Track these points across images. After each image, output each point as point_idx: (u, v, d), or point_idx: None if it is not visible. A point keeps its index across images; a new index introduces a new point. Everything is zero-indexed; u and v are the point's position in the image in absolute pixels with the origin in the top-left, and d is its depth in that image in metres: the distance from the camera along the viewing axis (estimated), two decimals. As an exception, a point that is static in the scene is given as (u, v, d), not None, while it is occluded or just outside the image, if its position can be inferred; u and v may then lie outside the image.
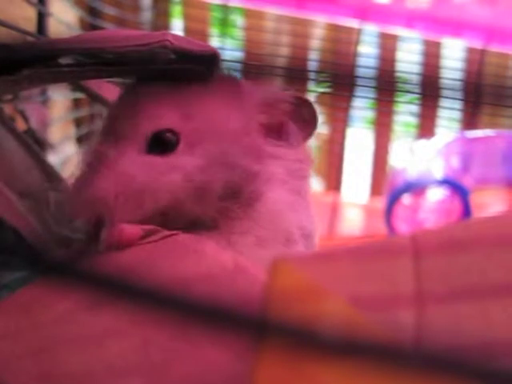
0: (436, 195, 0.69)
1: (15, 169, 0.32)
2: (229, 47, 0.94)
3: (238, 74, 0.32)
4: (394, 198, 0.65)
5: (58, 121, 0.69)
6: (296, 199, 0.29)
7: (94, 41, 0.28)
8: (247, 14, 0.95)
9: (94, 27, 0.74)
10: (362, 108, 0.98)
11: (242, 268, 0.20)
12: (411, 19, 0.84)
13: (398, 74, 0.98)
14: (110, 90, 0.45)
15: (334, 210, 0.83)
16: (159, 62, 0.27)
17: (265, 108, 0.29)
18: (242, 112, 0.28)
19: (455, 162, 0.70)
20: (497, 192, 0.68)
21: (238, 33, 0.96)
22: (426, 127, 0.98)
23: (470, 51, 0.93)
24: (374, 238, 0.17)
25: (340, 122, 0.91)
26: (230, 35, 0.97)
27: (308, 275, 0.16)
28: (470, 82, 0.87)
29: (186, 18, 0.95)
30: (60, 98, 0.68)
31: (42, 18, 0.55)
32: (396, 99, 0.88)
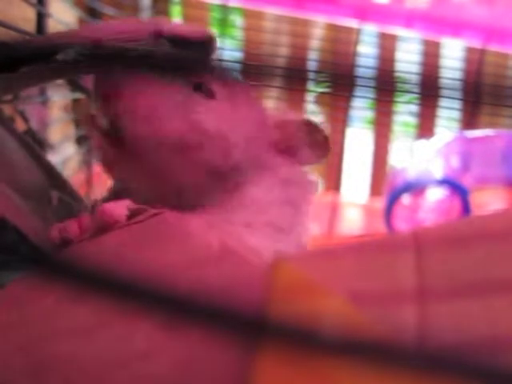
0: (436, 195, 0.69)
1: (16, 169, 0.32)
2: (228, 47, 0.94)
3: (237, 74, 0.32)
4: (393, 198, 0.65)
5: (58, 121, 0.69)
6: (285, 207, 0.29)
7: (92, 31, 0.28)
8: (246, 14, 0.95)
9: (93, 27, 0.74)
10: (361, 108, 0.98)
11: (229, 248, 0.20)
12: (410, 19, 0.84)
13: (397, 74, 0.98)
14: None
15: (334, 210, 0.83)
16: (157, 56, 0.27)
17: (278, 132, 0.30)
18: (263, 119, 0.30)
19: (455, 161, 0.70)
20: (496, 191, 0.68)
21: (238, 33, 0.96)
22: (425, 127, 0.98)
23: (469, 51, 0.93)
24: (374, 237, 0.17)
25: (339, 122, 0.91)
26: (230, 35, 0.97)
27: (308, 273, 0.16)
28: (469, 81, 0.87)
29: (186, 18, 0.95)
30: (60, 98, 0.68)
31: (41, 18, 0.55)
32: (395, 99, 0.88)
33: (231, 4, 0.92)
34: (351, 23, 0.86)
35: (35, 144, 0.36)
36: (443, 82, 1.01)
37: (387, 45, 0.95)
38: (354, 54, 0.83)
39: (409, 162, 0.72)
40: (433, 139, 0.77)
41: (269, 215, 0.28)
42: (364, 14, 0.82)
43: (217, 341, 0.16)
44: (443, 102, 0.88)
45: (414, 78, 0.95)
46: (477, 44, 0.85)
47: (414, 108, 0.99)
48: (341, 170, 0.90)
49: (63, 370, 0.18)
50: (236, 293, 0.18)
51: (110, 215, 0.23)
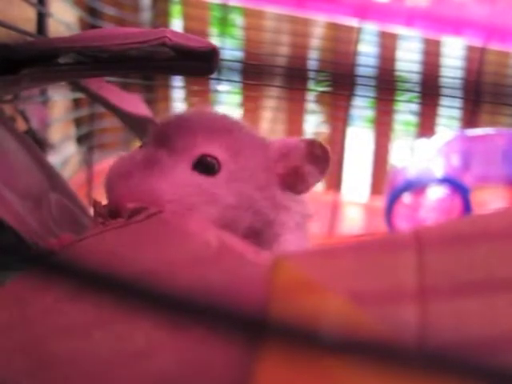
0: (436, 194, 0.69)
1: (16, 170, 0.32)
2: (228, 47, 0.94)
3: (237, 74, 0.32)
4: (394, 197, 0.65)
5: (59, 121, 0.69)
6: (302, 246, 0.32)
7: (93, 39, 0.28)
8: (247, 13, 0.95)
9: (93, 27, 0.74)
10: (362, 107, 0.98)
11: (228, 246, 0.20)
12: (411, 18, 0.84)
13: (397, 73, 0.98)
14: (109, 89, 0.45)
15: (335, 209, 0.83)
16: (158, 59, 0.27)
17: (281, 158, 0.31)
18: (266, 163, 0.31)
19: (455, 160, 0.70)
20: (497, 190, 0.68)
21: (238, 32, 0.96)
22: (426, 126, 0.98)
23: (470, 49, 0.93)
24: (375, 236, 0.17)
25: (340, 121, 0.91)
26: (230, 34, 0.97)
27: (308, 272, 0.16)
28: (469, 80, 0.87)
29: (186, 17, 0.95)
30: (60, 98, 0.68)
31: (41, 18, 0.55)
32: (396, 98, 0.88)
33: (231, 3, 0.92)
34: (352, 22, 0.86)
35: (36, 144, 0.36)
36: (444, 80, 1.01)
37: (388, 44, 0.95)
38: (355, 53, 0.83)
39: (409, 160, 0.72)
40: (433, 138, 0.77)
41: None
42: (364, 12, 0.82)
43: (217, 340, 0.16)
44: (444, 101, 0.88)
45: (415, 77, 0.95)
46: (477, 42, 0.85)
47: (415, 107, 0.99)
48: (341, 169, 0.90)
49: (63, 369, 0.18)
50: (236, 291, 0.18)
51: None
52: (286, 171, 0.31)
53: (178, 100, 0.99)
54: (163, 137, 0.29)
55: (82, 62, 0.30)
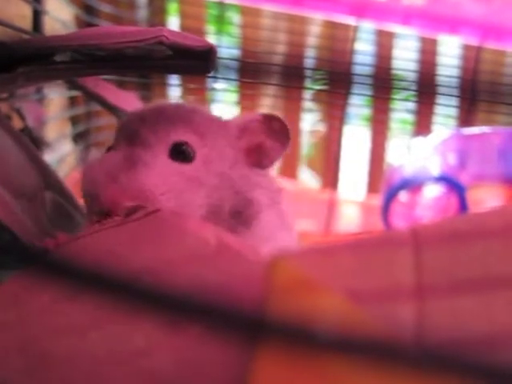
0: (433, 192, 0.69)
1: (11, 168, 0.32)
2: (225, 45, 0.93)
3: (234, 72, 0.32)
4: (390, 195, 0.65)
5: (54, 119, 0.69)
6: (280, 221, 0.33)
7: (90, 37, 0.28)
8: (243, 11, 0.95)
9: (89, 25, 0.74)
10: (358, 105, 0.98)
11: (225, 244, 0.20)
12: (407, 16, 0.84)
13: (394, 72, 0.99)
14: (105, 87, 0.45)
15: (331, 207, 0.83)
16: (155, 57, 0.27)
17: (241, 134, 0.32)
18: (229, 141, 0.31)
19: (452, 158, 0.70)
20: (493, 188, 0.69)
21: (235, 30, 0.96)
22: (422, 124, 0.99)
23: (466, 48, 0.93)
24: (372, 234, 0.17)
25: (336, 120, 0.91)
26: (227, 33, 0.97)
27: (306, 271, 0.16)
28: (466, 79, 0.87)
29: (182, 15, 0.95)
30: (56, 96, 0.68)
31: (37, 15, 0.55)
32: (392, 96, 0.88)
33: (228, 1, 0.91)
34: (348, 20, 0.86)
35: (31, 142, 0.36)
36: (440, 79, 1.01)
37: (384, 42, 0.95)
38: (351, 52, 0.83)
39: (406, 159, 0.72)
40: (430, 136, 0.77)
41: (284, 238, 0.32)
42: (361, 11, 0.82)
43: (215, 339, 0.16)
44: (440, 100, 0.89)
45: (411, 76, 0.95)
46: (474, 41, 0.85)
47: (411, 105, 0.99)
48: (338, 168, 0.90)
49: (60, 368, 0.18)
50: (234, 289, 0.18)
51: None
52: (248, 147, 0.32)
53: (175, 98, 0.98)
54: (132, 135, 0.30)
55: (78, 61, 0.29)
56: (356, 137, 1.00)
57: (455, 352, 0.11)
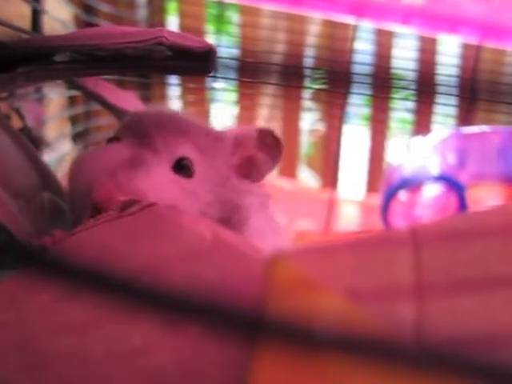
0: (432, 191, 0.69)
1: (9, 168, 0.32)
2: (224, 44, 0.93)
3: (233, 71, 0.32)
4: (390, 195, 0.65)
5: (54, 118, 0.68)
6: (270, 224, 0.33)
7: (90, 38, 0.28)
8: (243, 10, 0.95)
9: (88, 24, 0.74)
10: (357, 105, 0.98)
11: (222, 239, 0.20)
12: (407, 16, 0.84)
13: (393, 71, 0.98)
14: (105, 87, 0.45)
15: (331, 207, 0.83)
16: (155, 58, 0.27)
17: (236, 149, 0.33)
18: (223, 156, 0.32)
19: (451, 158, 0.70)
20: (492, 188, 0.69)
21: (234, 29, 0.96)
22: (421, 124, 0.98)
23: (466, 47, 0.93)
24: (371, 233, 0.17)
25: (336, 119, 0.91)
26: (226, 32, 0.96)
27: (305, 270, 0.16)
28: (465, 78, 0.87)
29: (182, 14, 0.95)
30: (55, 95, 0.68)
31: (36, 15, 0.55)
32: (392, 96, 0.88)
33: (227, 0, 0.91)
34: (348, 20, 0.86)
35: (31, 142, 0.36)
36: (439, 78, 1.01)
37: (384, 41, 0.95)
38: (351, 51, 0.83)
39: (405, 158, 0.72)
40: (429, 136, 0.77)
41: (274, 241, 0.32)
42: (361, 10, 0.82)
43: (213, 338, 0.16)
44: (440, 99, 0.89)
45: (411, 75, 0.95)
46: (473, 40, 0.85)
47: (411, 105, 0.99)
48: (337, 167, 0.90)
49: (60, 368, 0.18)
50: (231, 287, 0.18)
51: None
52: (241, 161, 0.32)
53: (174, 98, 0.98)
54: (141, 135, 0.30)
55: (78, 61, 0.29)
56: (355, 136, 1.00)
57: (455, 351, 0.11)
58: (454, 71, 0.95)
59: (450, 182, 0.64)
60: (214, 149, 0.32)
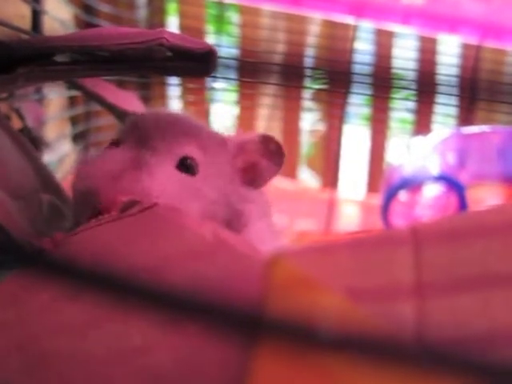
0: (432, 191, 0.69)
1: (8, 168, 0.32)
2: (224, 44, 0.93)
3: (233, 71, 0.32)
4: (390, 195, 0.65)
5: (54, 119, 0.68)
6: (269, 232, 0.34)
7: (91, 38, 0.28)
8: (243, 10, 0.95)
9: (88, 25, 0.74)
10: (358, 105, 0.98)
11: (223, 240, 0.20)
12: (407, 15, 0.84)
13: (393, 71, 0.99)
14: (105, 87, 0.45)
15: (331, 207, 0.83)
16: (155, 59, 0.27)
17: (239, 153, 0.33)
18: (228, 159, 0.33)
19: (451, 158, 0.70)
20: (492, 187, 0.69)
21: (234, 30, 0.96)
22: (421, 123, 0.98)
23: (466, 47, 0.93)
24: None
25: (336, 119, 0.91)
26: (226, 32, 0.96)
27: (305, 269, 0.16)
28: (465, 78, 0.87)
29: (182, 15, 0.95)
30: (55, 95, 0.68)
31: (36, 15, 0.55)
32: (392, 96, 0.88)
33: (227, 1, 0.91)
34: (348, 20, 0.86)
35: (31, 142, 0.36)
36: (440, 78, 1.01)
37: (384, 41, 0.95)
38: (351, 51, 0.83)
39: (405, 158, 0.72)
40: (429, 136, 0.77)
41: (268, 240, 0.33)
42: (361, 10, 0.82)
43: (213, 337, 0.16)
44: (440, 99, 0.89)
45: (411, 75, 0.95)
46: (473, 40, 0.85)
47: (411, 104, 0.99)
48: (338, 167, 0.90)
49: (60, 367, 0.18)
50: (232, 286, 0.18)
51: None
52: (244, 166, 0.33)
53: (174, 98, 0.98)
54: (143, 137, 0.30)
55: (78, 61, 0.29)
56: (356, 136, 1.00)
57: (455, 350, 0.11)
58: (454, 71, 0.95)
59: (450, 182, 0.64)
60: (217, 151, 0.32)
